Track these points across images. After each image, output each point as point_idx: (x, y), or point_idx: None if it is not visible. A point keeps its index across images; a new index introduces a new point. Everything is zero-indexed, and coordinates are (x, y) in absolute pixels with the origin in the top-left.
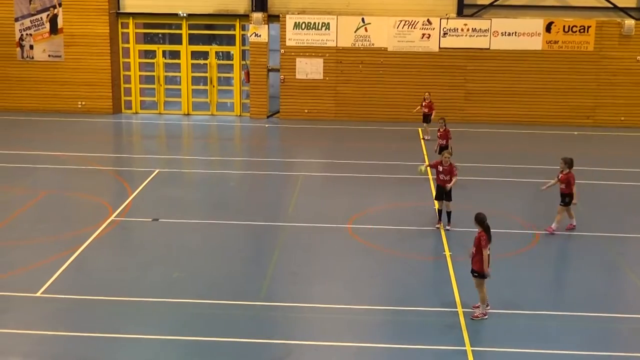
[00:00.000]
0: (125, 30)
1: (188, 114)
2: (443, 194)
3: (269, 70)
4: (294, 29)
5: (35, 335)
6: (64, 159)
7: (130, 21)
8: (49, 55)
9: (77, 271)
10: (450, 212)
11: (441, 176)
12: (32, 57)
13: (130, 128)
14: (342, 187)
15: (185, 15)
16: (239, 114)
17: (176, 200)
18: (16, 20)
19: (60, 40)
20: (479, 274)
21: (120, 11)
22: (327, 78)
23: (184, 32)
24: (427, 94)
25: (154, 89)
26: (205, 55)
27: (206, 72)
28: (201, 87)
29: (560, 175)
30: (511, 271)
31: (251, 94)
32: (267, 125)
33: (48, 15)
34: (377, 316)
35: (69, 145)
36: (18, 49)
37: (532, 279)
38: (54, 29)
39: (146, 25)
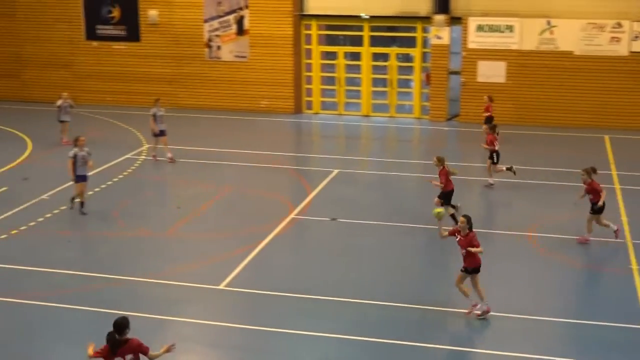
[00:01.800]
0: (307, 32)
1: (367, 115)
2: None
3: (449, 73)
4: (476, 31)
5: (219, 326)
6: (246, 157)
7: (313, 23)
8: (235, 56)
9: (258, 266)
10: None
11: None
12: (219, 57)
13: (310, 128)
14: (523, 194)
15: (367, 17)
16: (418, 117)
17: (354, 201)
18: (205, 21)
19: (245, 41)
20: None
21: (304, 13)
22: (509, 81)
23: (365, 33)
24: (486, 97)
25: (334, 90)
26: (385, 57)
27: (386, 74)
28: (381, 88)
29: (586, 186)
30: None
31: (431, 96)
32: (446, 129)
33: (235, 17)
34: (559, 329)
35: (252, 143)
36: (206, 49)
37: None
38: (241, 30)
39: (328, 27)
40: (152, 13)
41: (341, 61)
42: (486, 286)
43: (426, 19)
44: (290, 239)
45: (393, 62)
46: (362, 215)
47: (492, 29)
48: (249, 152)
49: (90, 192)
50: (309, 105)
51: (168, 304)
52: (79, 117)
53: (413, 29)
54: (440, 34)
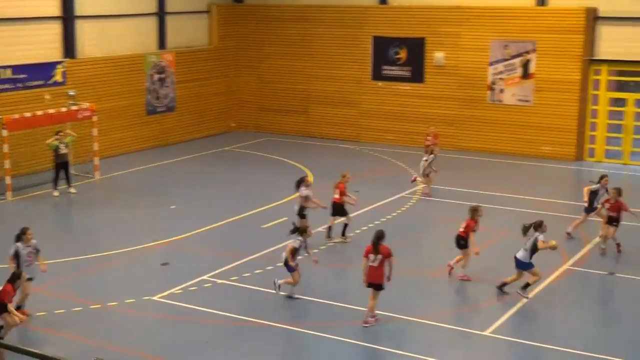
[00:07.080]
0: (596, 77)
1: None
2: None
3: None
4: None
5: None
6: (523, 202)
7: (604, 68)
8: (518, 99)
9: (526, 316)
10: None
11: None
12: (501, 101)
13: (591, 176)
14: None
15: None
16: None
17: (636, 256)
18: (490, 64)
19: (530, 85)
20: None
21: (594, 58)
22: None
23: None
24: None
25: (620, 138)
26: None
27: None
28: None
29: None
30: None
31: None
32: None
33: (522, 60)
34: None
35: (530, 188)
36: (488, 92)
37: None
38: (526, 74)
39: (619, 73)
40: (439, 55)
41: (630, 108)
42: None
43: None
44: (562, 290)
45: None
46: None
47: None
48: (526, 198)
49: (363, 228)
50: (592, 153)
51: (430, 345)
52: (360, 154)
53: None
54: None
